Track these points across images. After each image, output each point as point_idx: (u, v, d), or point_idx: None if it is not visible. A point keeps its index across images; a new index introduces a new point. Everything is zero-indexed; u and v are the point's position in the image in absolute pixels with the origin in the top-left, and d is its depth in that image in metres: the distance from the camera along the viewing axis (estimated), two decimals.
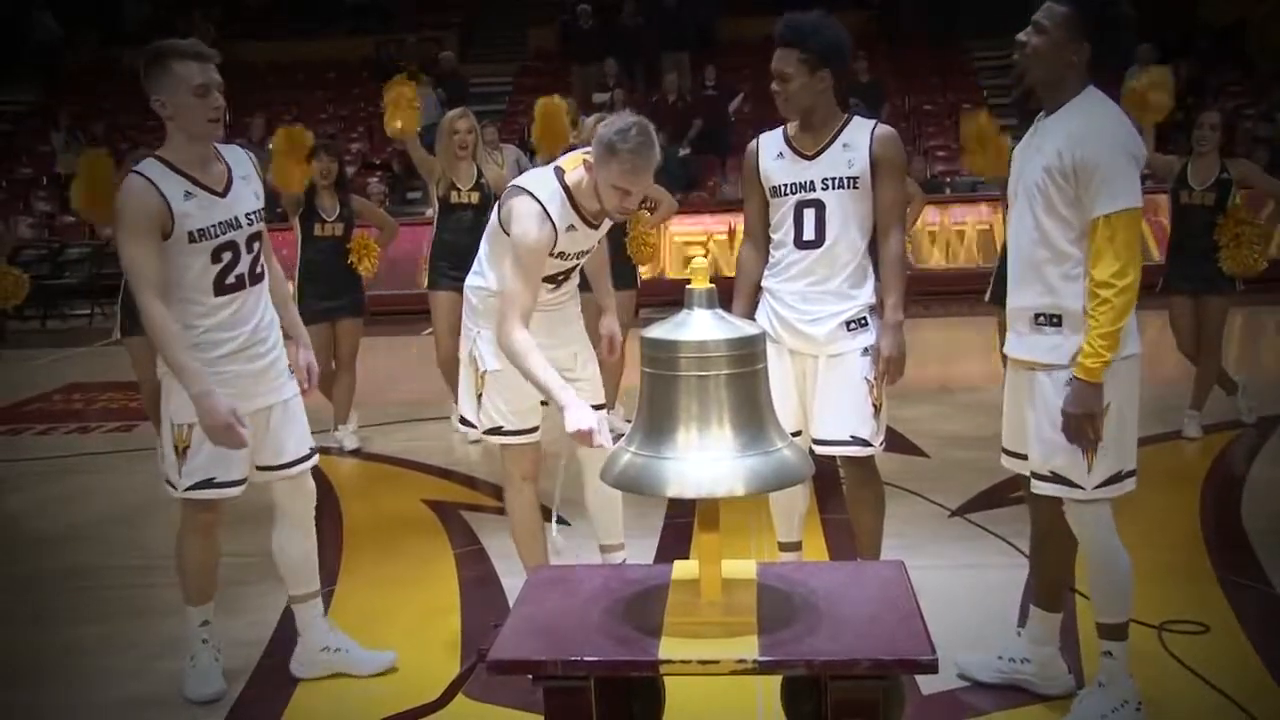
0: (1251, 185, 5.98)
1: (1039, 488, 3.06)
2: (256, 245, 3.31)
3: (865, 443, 3.59)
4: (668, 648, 2.36)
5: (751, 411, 2.42)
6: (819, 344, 3.54)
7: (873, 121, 3.58)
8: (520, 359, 3.30)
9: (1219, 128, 5.83)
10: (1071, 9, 2.85)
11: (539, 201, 3.39)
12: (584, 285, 3.88)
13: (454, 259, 5.89)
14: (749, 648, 2.34)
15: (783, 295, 3.57)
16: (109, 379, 8.91)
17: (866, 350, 3.55)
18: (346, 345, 6.35)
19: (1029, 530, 4.45)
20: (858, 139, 3.51)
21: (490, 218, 3.68)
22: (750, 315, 3.63)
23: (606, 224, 3.63)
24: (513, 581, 4.27)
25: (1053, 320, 2.96)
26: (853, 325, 3.54)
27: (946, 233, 11.85)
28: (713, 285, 2.49)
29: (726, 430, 2.38)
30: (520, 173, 10.11)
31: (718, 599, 2.50)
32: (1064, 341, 2.93)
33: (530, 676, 2.39)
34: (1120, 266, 2.80)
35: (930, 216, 11.40)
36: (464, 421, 3.82)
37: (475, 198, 6.23)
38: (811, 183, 3.51)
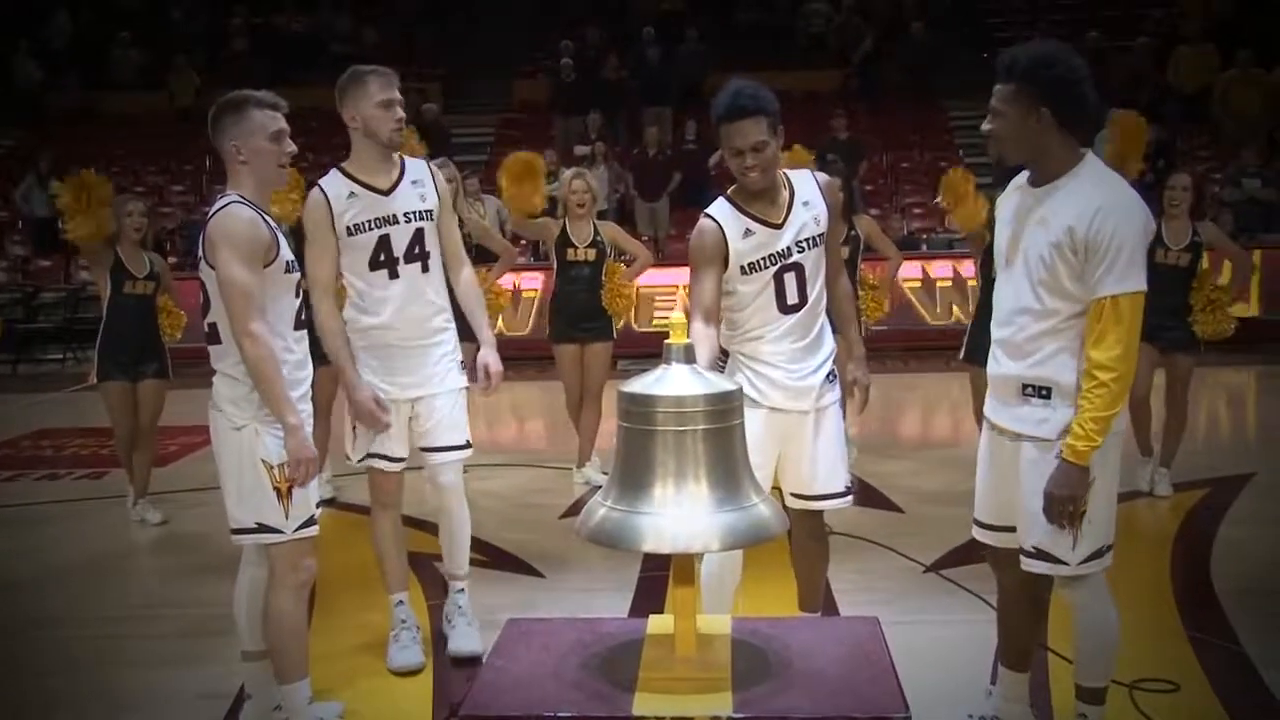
0: (1216, 248, 6.10)
1: (1026, 564, 3.02)
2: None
3: (850, 491, 3.67)
4: (642, 703, 2.35)
5: (728, 467, 2.43)
6: (813, 398, 3.52)
7: (807, 172, 3.59)
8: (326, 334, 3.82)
9: (1190, 189, 5.96)
10: (1017, 83, 2.84)
11: (316, 184, 3.88)
12: (466, 335, 4.14)
13: None
14: (723, 704, 2.33)
15: (767, 357, 3.50)
16: (80, 425, 8.84)
17: (838, 400, 3.63)
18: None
19: None
20: (811, 194, 3.50)
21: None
22: None
23: (405, 194, 3.88)
24: (486, 634, 4.25)
25: (1041, 392, 2.92)
26: (831, 376, 3.58)
27: (922, 289, 11.97)
28: (690, 341, 2.51)
29: (703, 486, 2.39)
30: (501, 224, 10.21)
31: (692, 655, 2.50)
32: (1051, 415, 2.90)
33: None
34: (1122, 350, 2.76)
35: (906, 272, 11.51)
36: (348, 457, 4.10)
37: None
38: (788, 249, 3.45)
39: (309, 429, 3.36)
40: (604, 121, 14.33)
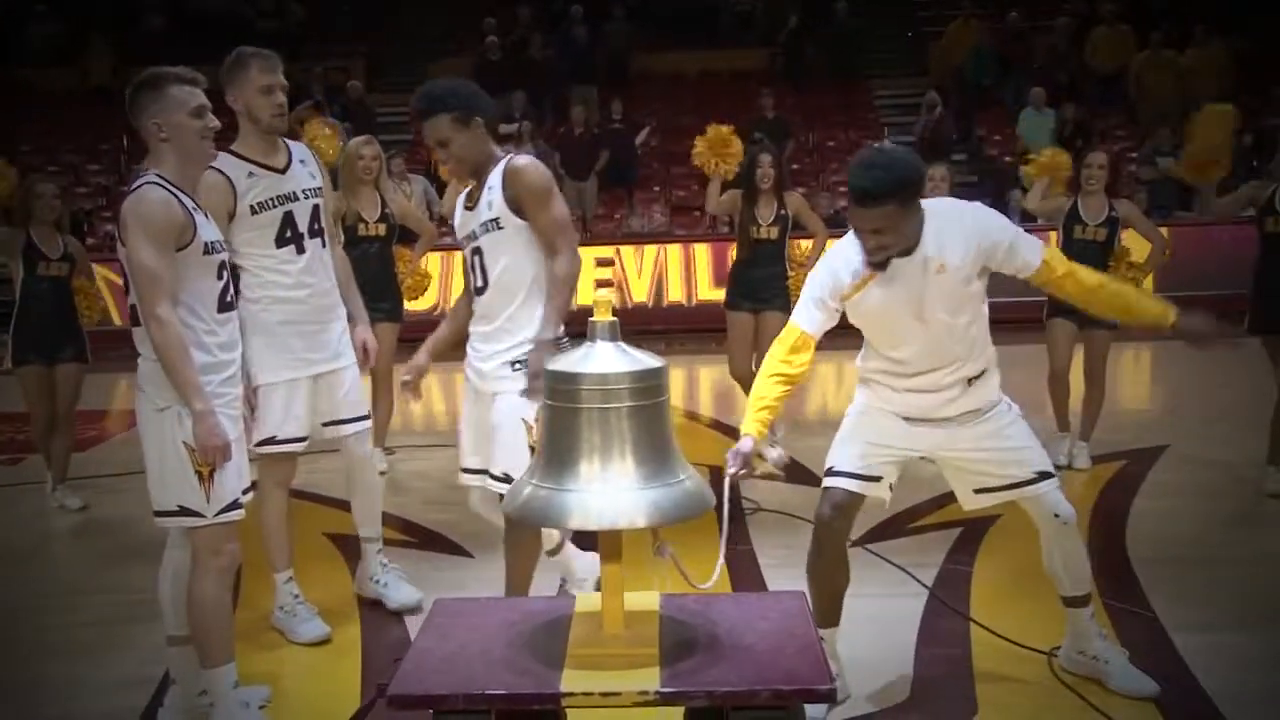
0: (1132, 226, 6.24)
1: (1038, 488, 3.35)
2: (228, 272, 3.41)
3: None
4: (570, 680, 2.37)
5: (654, 444, 2.45)
6: (487, 381, 3.61)
7: (506, 157, 3.60)
8: None
9: (1106, 167, 6.08)
10: (893, 202, 3.04)
11: (211, 167, 3.74)
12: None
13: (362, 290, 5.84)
14: (651, 679, 2.36)
15: (470, 337, 3.72)
16: None
17: (518, 390, 3.58)
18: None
19: (929, 560, 4.58)
20: (495, 181, 3.58)
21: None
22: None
23: (298, 172, 3.97)
24: (416, 615, 4.24)
25: (980, 375, 3.33)
26: (517, 365, 3.58)
27: None
28: (615, 319, 2.52)
29: (629, 462, 2.41)
30: (428, 203, 10.08)
31: (620, 631, 2.52)
32: (993, 381, 3.38)
33: (431, 711, 2.38)
34: (1081, 266, 3.34)
35: None
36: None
37: (382, 229, 6.19)
38: (474, 231, 3.63)
39: (236, 411, 3.34)
40: (529, 100, 14.23)
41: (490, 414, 3.62)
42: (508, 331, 3.57)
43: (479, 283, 3.64)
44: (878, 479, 3.37)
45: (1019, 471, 3.36)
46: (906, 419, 3.36)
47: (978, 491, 3.44)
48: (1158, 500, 5.67)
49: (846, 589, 3.50)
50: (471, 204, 3.64)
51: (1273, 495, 5.58)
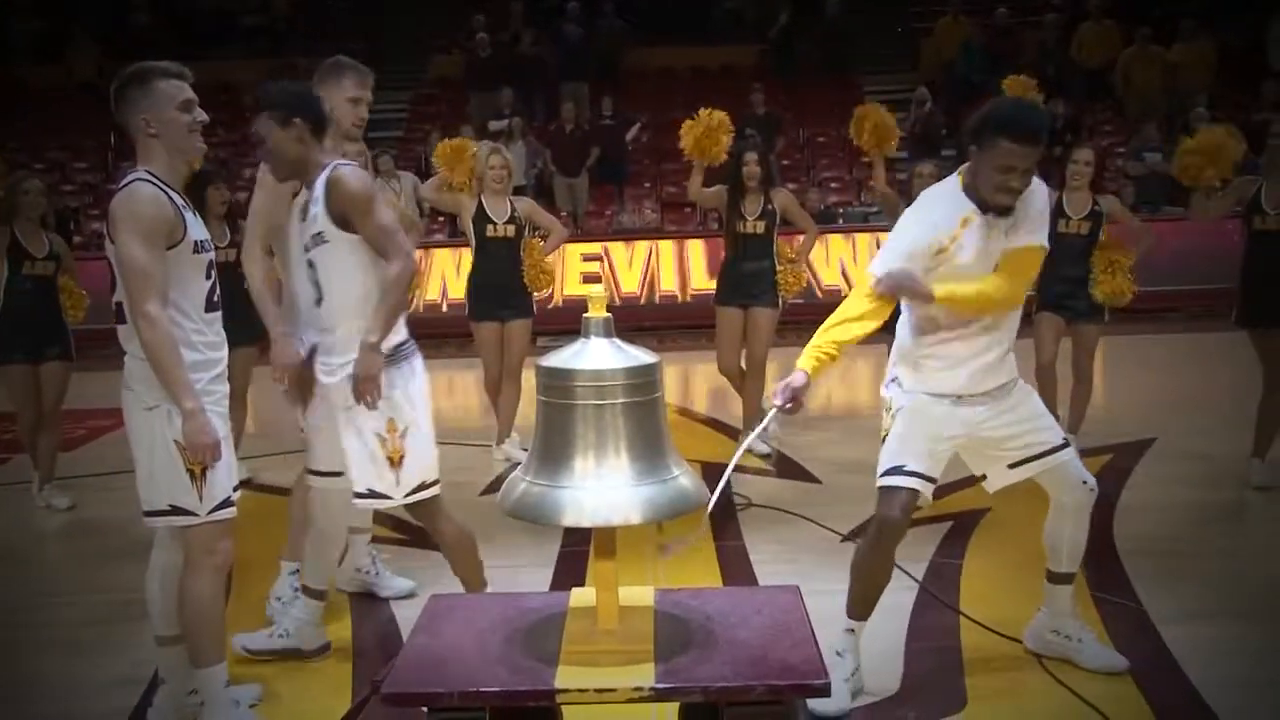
0: (1116, 220, 6.29)
1: (1064, 455, 3.45)
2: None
3: (381, 495, 3.57)
4: (564, 677, 2.37)
5: (648, 440, 2.45)
6: (334, 394, 3.54)
7: (330, 165, 3.50)
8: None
9: (1092, 164, 6.16)
10: (1043, 145, 3.23)
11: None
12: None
13: None
14: (645, 675, 2.37)
15: (316, 347, 3.60)
16: None
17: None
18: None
19: (919, 554, 4.59)
20: (319, 190, 3.48)
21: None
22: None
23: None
24: (408, 613, 4.24)
25: (1008, 349, 3.45)
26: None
27: (839, 261, 12.12)
28: (609, 314, 2.52)
29: (623, 459, 2.41)
30: (418, 200, 10.07)
31: (614, 627, 2.52)
32: (1014, 359, 3.48)
33: (425, 708, 2.38)
34: None
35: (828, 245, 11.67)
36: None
37: None
38: (305, 244, 3.52)
39: (224, 409, 3.32)
40: (517, 97, 14.20)
41: (340, 429, 3.56)
42: (349, 344, 3.47)
43: (315, 295, 3.53)
44: (934, 480, 3.42)
45: (1051, 437, 3.47)
46: (955, 399, 3.39)
47: (1013, 466, 3.48)
48: (1144, 492, 5.71)
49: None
50: (303, 214, 3.53)
51: (1258, 488, 5.62)
